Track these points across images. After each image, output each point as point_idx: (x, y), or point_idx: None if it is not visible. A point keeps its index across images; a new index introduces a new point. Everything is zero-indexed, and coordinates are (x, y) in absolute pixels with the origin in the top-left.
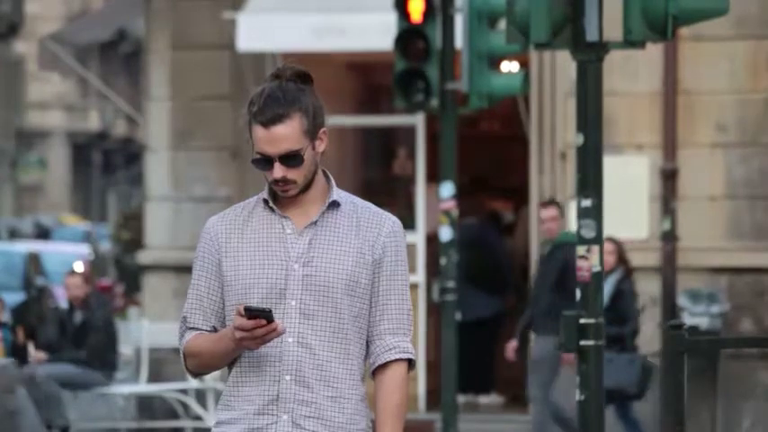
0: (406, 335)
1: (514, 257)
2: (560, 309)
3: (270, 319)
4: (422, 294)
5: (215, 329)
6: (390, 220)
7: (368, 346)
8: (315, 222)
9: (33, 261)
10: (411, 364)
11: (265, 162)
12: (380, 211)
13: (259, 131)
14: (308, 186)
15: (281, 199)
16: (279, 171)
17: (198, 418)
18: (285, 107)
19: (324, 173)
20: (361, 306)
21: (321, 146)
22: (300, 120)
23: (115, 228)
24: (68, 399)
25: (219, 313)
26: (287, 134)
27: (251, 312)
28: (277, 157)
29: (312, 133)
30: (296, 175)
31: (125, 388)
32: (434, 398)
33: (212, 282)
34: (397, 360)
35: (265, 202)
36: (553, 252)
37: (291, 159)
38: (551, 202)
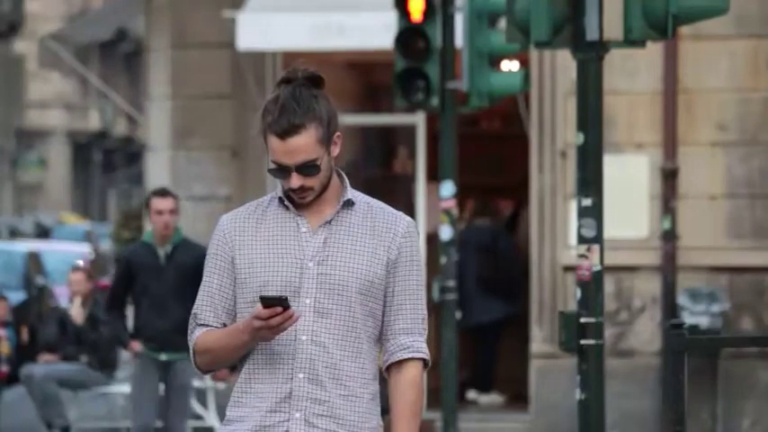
0: (420, 335)
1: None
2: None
3: (286, 307)
4: None
5: (225, 327)
6: (405, 221)
7: (382, 345)
8: (329, 221)
9: (33, 260)
10: (426, 363)
11: (282, 171)
12: (395, 211)
13: (275, 143)
14: (323, 189)
15: None
16: (296, 181)
17: (198, 417)
18: (301, 117)
19: (337, 173)
20: (374, 305)
21: (336, 150)
22: (316, 129)
23: (115, 227)
24: (68, 398)
25: (231, 310)
26: (303, 145)
27: (267, 302)
28: (294, 167)
29: (327, 140)
30: (313, 182)
31: (125, 387)
32: (435, 397)
33: (224, 279)
34: (410, 359)
35: (280, 200)
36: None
37: (308, 169)
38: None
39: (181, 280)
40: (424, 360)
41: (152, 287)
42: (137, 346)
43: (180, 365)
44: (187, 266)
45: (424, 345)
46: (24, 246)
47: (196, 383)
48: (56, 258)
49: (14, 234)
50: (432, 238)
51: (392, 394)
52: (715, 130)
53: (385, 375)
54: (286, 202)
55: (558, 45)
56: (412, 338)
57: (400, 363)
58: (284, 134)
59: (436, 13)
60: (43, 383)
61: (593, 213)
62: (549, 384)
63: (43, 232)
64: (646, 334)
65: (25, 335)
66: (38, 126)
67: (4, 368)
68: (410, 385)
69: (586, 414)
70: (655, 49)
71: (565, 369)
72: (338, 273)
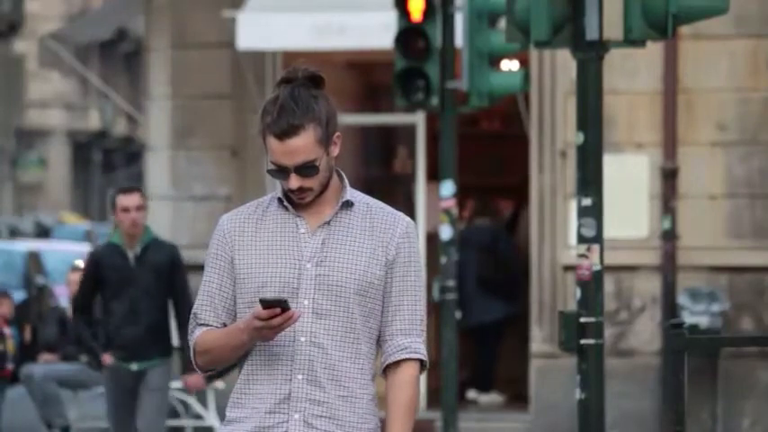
0: (418, 336)
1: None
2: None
3: (286, 308)
4: None
5: (225, 326)
6: (404, 221)
7: (380, 346)
8: (328, 222)
9: (33, 260)
10: (423, 365)
11: (281, 172)
12: (394, 211)
13: (274, 143)
14: (322, 189)
15: None
16: (295, 181)
17: (198, 417)
18: (299, 118)
19: (337, 173)
20: (372, 306)
21: (335, 150)
22: (315, 130)
23: (115, 227)
24: (68, 398)
25: (230, 310)
26: (302, 146)
27: (267, 304)
28: (293, 168)
29: (326, 141)
30: (312, 183)
31: None
32: (435, 397)
33: (224, 279)
34: (407, 359)
35: (279, 200)
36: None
37: (307, 170)
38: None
39: (154, 282)
40: (421, 361)
41: (122, 291)
42: (108, 358)
43: (153, 371)
44: (160, 266)
45: (422, 346)
46: (24, 245)
47: None
48: (56, 258)
49: (14, 234)
50: (432, 238)
51: (388, 394)
52: (715, 129)
53: (382, 377)
54: (285, 203)
55: (557, 45)
56: (410, 339)
57: (397, 363)
58: (283, 135)
59: (436, 13)
60: (43, 383)
61: (593, 213)
62: (549, 384)
63: (43, 232)
64: (646, 334)
65: (28, 334)
66: (38, 126)
67: (10, 366)
68: (406, 385)
69: (586, 414)
70: (655, 49)
71: (565, 369)
72: (336, 274)
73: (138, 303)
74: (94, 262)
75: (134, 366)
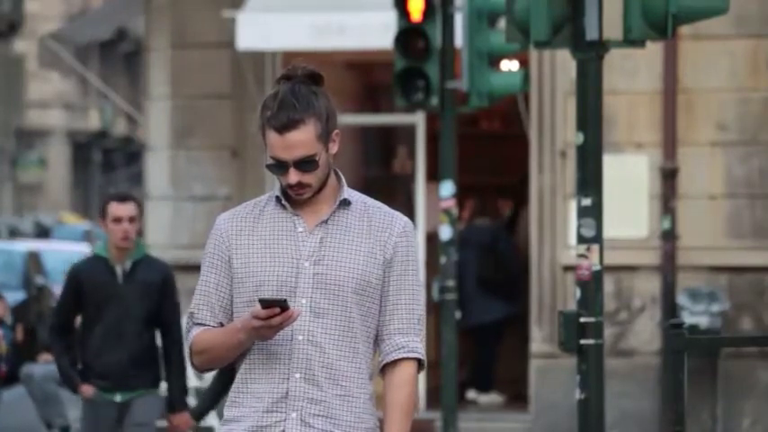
0: (416, 335)
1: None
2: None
3: (285, 309)
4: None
5: (222, 326)
6: (401, 221)
7: (378, 345)
8: (326, 221)
9: (33, 260)
10: (421, 364)
11: (280, 167)
12: (391, 211)
13: (273, 137)
14: (320, 187)
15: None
16: (294, 176)
17: None
18: (300, 113)
19: (335, 172)
20: (370, 305)
21: (334, 148)
22: (315, 125)
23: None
24: (68, 398)
25: (228, 309)
26: (302, 140)
27: (266, 303)
28: (292, 163)
29: (326, 137)
30: (310, 179)
31: None
32: (434, 397)
33: (221, 278)
34: (405, 359)
35: (277, 199)
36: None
37: (306, 164)
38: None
39: (142, 303)
40: (419, 360)
41: (107, 311)
42: (89, 390)
43: (138, 403)
44: (150, 285)
45: (420, 345)
46: (24, 246)
47: (196, 383)
48: (56, 258)
49: (14, 234)
50: (432, 238)
51: (386, 393)
52: (715, 129)
53: (380, 376)
54: (283, 201)
55: (557, 45)
56: (407, 338)
57: (395, 363)
58: (283, 129)
59: (436, 13)
60: (43, 383)
61: (593, 213)
62: (548, 384)
63: (43, 232)
64: (645, 334)
65: (20, 334)
66: (38, 126)
67: (4, 367)
68: (403, 384)
69: (586, 414)
70: (655, 49)
71: (565, 369)
72: (334, 272)
73: (123, 325)
74: (76, 277)
75: (117, 397)
